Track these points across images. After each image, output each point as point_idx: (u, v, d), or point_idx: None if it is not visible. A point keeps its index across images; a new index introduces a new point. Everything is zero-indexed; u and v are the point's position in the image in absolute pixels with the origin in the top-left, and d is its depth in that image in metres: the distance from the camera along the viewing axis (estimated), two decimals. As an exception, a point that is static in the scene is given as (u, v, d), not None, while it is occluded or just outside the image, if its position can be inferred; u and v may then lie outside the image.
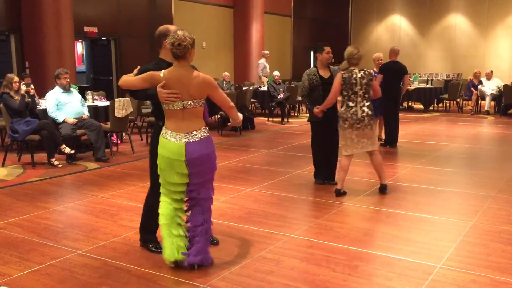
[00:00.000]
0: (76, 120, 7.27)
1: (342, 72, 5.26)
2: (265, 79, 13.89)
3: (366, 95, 5.25)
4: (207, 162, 3.40)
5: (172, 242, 3.43)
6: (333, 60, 5.93)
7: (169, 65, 3.52)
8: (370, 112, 5.24)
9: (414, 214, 4.77)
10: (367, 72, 5.27)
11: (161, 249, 3.59)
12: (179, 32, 3.28)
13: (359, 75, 5.21)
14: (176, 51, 3.27)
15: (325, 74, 5.72)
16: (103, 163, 7.09)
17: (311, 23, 20.36)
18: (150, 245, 3.83)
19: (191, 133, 3.33)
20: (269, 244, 3.97)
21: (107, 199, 5.31)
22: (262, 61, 14.22)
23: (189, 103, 3.32)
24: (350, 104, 5.21)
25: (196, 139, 3.33)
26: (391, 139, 8.41)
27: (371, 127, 5.28)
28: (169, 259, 3.44)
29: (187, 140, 3.32)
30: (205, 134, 3.40)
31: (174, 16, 14.02)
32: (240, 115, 3.74)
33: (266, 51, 14.57)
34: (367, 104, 5.24)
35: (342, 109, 5.25)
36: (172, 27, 3.69)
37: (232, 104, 3.59)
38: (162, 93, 3.31)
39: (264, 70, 14.12)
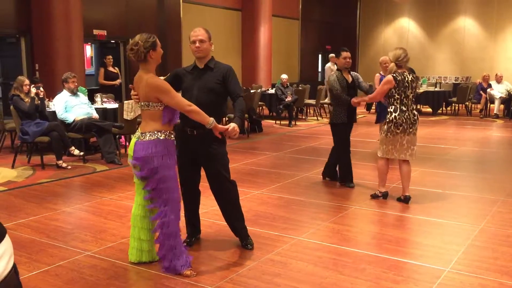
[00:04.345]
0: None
1: (394, 74, 5.09)
2: None
3: (413, 99, 5.18)
4: (146, 164, 3.30)
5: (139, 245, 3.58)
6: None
7: (195, 66, 3.77)
8: (418, 115, 5.22)
9: (422, 218, 4.75)
10: (415, 76, 5.22)
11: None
12: (136, 37, 3.32)
13: (409, 78, 5.11)
14: (129, 55, 3.33)
15: (348, 78, 5.73)
16: (111, 165, 7.13)
17: (319, 26, 20.34)
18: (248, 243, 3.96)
19: (143, 133, 3.36)
20: (276, 246, 3.97)
21: (115, 200, 5.34)
22: (329, 65, 14.35)
23: (142, 104, 3.39)
24: (403, 108, 5.06)
25: (145, 140, 3.33)
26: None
27: (416, 131, 5.21)
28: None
29: (137, 138, 3.38)
30: (154, 137, 3.31)
31: (182, 19, 14.09)
32: (233, 124, 3.43)
33: (332, 54, 14.63)
34: (415, 107, 5.23)
35: (396, 114, 5.04)
36: (191, 31, 3.81)
37: (190, 108, 3.30)
38: (131, 93, 3.51)
39: None
